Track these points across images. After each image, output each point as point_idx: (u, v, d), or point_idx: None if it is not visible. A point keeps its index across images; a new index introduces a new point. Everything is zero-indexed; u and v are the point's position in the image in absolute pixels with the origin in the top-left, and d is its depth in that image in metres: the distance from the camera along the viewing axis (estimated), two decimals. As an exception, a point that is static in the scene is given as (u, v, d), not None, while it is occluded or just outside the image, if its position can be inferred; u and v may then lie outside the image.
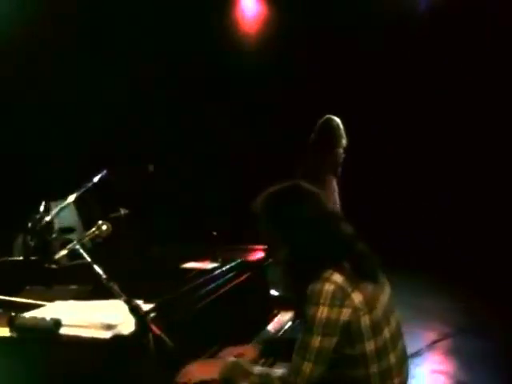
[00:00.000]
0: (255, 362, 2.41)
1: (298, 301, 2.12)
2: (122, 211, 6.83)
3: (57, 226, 7.68)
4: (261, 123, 8.39)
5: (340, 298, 1.98)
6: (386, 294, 2.18)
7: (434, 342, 4.96)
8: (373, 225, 7.13)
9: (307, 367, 2.00)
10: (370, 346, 2.05)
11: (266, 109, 8.25)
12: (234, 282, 2.86)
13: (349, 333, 2.02)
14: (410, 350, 4.57)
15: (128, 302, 1.88)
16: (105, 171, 3.77)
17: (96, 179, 3.80)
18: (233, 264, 3.01)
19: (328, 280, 2.00)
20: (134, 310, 1.86)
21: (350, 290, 2.00)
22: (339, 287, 1.99)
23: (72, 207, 7.87)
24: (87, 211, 8.16)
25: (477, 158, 7.49)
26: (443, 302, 5.98)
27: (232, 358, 2.29)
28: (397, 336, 2.18)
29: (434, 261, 6.89)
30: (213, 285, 2.71)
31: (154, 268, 3.04)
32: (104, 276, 2.05)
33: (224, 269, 2.92)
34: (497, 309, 5.64)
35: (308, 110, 7.21)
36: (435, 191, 7.74)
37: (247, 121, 8.42)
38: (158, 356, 1.84)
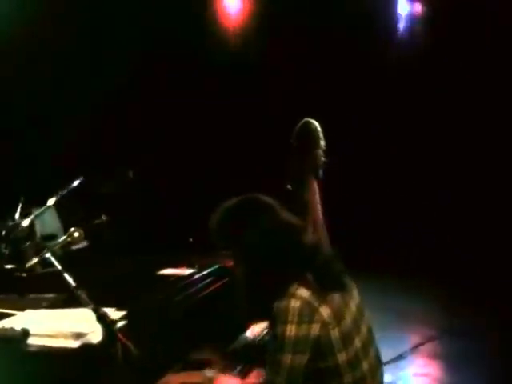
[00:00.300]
0: (227, 369, 2.36)
1: (264, 315, 2.08)
2: (104, 217, 6.81)
3: (39, 233, 7.64)
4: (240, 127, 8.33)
5: (308, 313, 1.94)
6: (354, 301, 2.15)
7: (418, 344, 4.93)
8: (373, 225, 7.52)
9: (281, 383, 1.96)
10: (341, 357, 2.01)
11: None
12: (211, 289, 2.82)
13: (319, 347, 1.98)
14: (394, 353, 4.67)
15: (95, 311, 1.85)
16: (82, 177, 3.72)
17: (75, 184, 3.74)
18: (210, 270, 2.97)
19: (294, 296, 1.95)
20: (101, 319, 1.82)
21: (316, 304, 1.96)
22: (306, 303, 1.95)
23: (53, 213, 7.85)
24: (69, 217, 8.14)
25: (477, 158, 7.50)
26: (428, 304, 5.96)
27: (213, 374, 2.24)
28: (368, 343, 2.15)
29: (433, 261, 6.92)
30: (188, 291, 2.67)
31: (129, 275, 3.00)
32: (73, 284, 2.01)
33: (200, 275, 2.88)
34: (483, 310, 5.63)
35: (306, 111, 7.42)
36: (435, 190, 7.72)
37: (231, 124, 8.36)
38: (126, 365, 1.80)
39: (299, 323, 1.92)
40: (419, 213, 7.64)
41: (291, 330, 1.92)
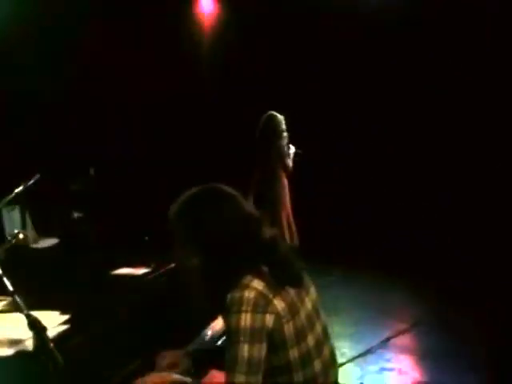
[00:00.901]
0: (188, 371, 2.31)
1: (216, 311, 2.03)
2: (76, 214, 6.73)
3: (7, 231, 7.52)
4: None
5: (262, 304, 1.89)
6: (310, 298, 2.12)
7: (387, 339, 4.92)
8: (373, 225, 7.47)
9: (240, 380, 1.87)
10: (293, 353, 1.97)
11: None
12: (166, 288, 2.76)
13: (272, 341, 1.93)
14: (361, 348, 4.66)
15: (27, 316, 1.77)
16: (38, 175, 3.62)
17: (31, 182, 3.65)
18: (166, 268, 2.91)
19: (248, 287, 1.91)
20: (32, 325, 1.75)
21: (271, 296, 1.92)
22: (260, 294, 1.90)
23: (23, 212, 7.72)
24: (38, 214, 8.01)
25: (477, 159, 7.40)
26: (403, 299, 5.94)
27: (188, 380, 2.17)
28: (322, 342, 2.12)
29: (433, 260, 6.84)
30: (140, 291, 2.61)
31: (81, 275, 2.93)
32: (10, 288, 1.94)
33: (156, 274, 2.82)
34: (461, 307, 5.62)
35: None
36: (435, 191, 7.64)
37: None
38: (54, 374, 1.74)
39: (254, 312, 1.87)
40: (419, 213, 7.58)
41: (246, 319, 1.86)
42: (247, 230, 2.02)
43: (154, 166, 8.05)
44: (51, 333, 2.09)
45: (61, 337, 2.09)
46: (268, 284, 1.92)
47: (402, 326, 5.10)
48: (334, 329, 5.19)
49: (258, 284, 1.92)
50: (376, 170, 7.80)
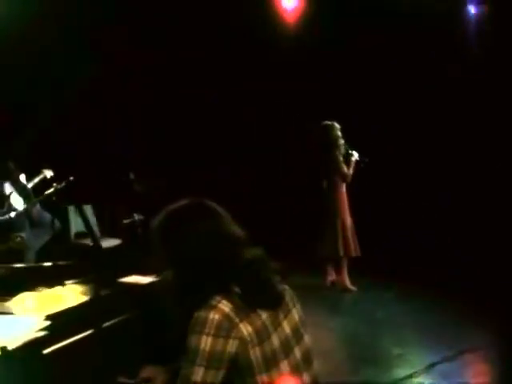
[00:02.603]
0: None
1: (184, 330, 1.96)
2: (137, 217, 6.86)
3: (73, 231, 7.76)
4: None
5: (226, 328, 1.82)
6: (290, 322, 2.01)
7: (432, 364, 4.65)
8: (373, 225, 7.33)
9: None
10: (262, 379, 1.87)
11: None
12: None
13: (237, 366, 1.85)
14: (403, 372, 4.45)
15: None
16: (71, 178, 3.74)
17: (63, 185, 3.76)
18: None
19: (214, 308, 1.84)
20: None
21: (237, 320, 1.84)
22: (226, 316, 1.83)
23: (90, 211, 7.96)
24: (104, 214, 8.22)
25: (477, 159, 7.43)
26: (459, 322, 5.62)
27: None
28: (300, 368, 2.00)
29: (433, 260, 6.81)
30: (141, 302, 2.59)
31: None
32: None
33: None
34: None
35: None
36: (435, 191, 7.65)
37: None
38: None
39: (216, 336, 1.81)
40: (418, 214, 7.59)
41: (206, 342, 1.81)
42: (224, 250, 1.95)
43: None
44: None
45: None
46: (236, 306, 1.86)
47: (451, 352, 4.82)
48: (379, 348, 5.05)
49: (225, 306, 1.85)
50: (376, 170, 7.46)
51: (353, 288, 6.52)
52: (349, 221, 6.48)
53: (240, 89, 8.35)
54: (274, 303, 1.98)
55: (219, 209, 2.04)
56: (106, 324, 2.44)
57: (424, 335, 5.27)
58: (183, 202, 2.05)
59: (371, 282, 6.78)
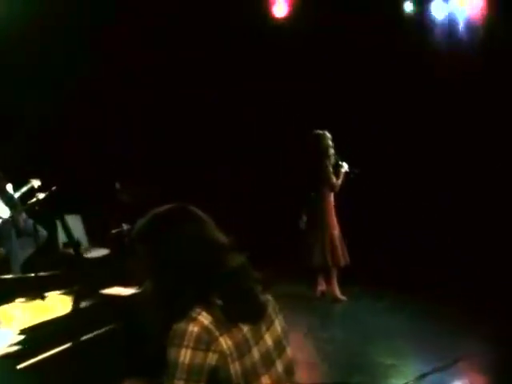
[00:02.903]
0: None
1: (164, 342, 1.88)
2: (125, 226, 6.79)
3: (61, 241, 7.65)
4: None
5: (205, 341, 1.76)
6: (273, 335, 1.94)
7: (423, 375, 4.57)
8: (372, 225, 7.50)
9: None
10: None
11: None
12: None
13: (217, 378, 1.79)
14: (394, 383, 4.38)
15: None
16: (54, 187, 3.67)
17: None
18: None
19: (194, 320, 1.77)
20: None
21: (217, 333, 1.77)
22: (205, 329, 1.76)
23: (78, 221, 7.88)
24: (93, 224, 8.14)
25: (477, 159, 7.39)
26: (453, 332, 5.55)
27: None
28: (283, 380, 1.94)
29: (433, 261, 6.79)
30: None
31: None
32: None
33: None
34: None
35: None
36: (435, 191, 7.60)
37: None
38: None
39: (195, 349, 1.75)
40: (418, 215, 7.56)
41: (186, 355, 1.75)
42: (206, 256, 1.88)
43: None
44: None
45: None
46: (217, 319, 1.79)
47: (443, 362, 4.74)
48: (371, 358, 4.97)
49: (205, 318, 1.78)
50: (376, 170, 7.66)
51: (343, 298, 6.45)
52: (337, 230, 6.40)
53: (240, 89, 8.36)
54: (256, 316, 1.91)
55: (202, 214, 1.97)
56: (87, 336, 2.37)
57: (417, 344, 5.21)
58: (166, 206, 1.99)
59: (363, 291, 6.70)
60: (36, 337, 2.27)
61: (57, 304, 2.73)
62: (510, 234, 6.81)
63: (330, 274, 6.47)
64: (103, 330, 2.45)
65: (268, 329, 1.93)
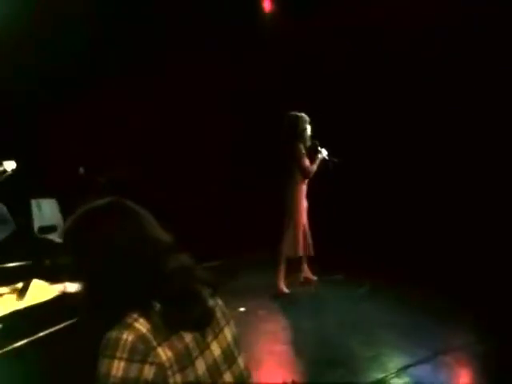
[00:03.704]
0: None
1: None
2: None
3: (37, 224, 7.47)
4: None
5: (141, 351, 1.55)
6: (221, 343, 1.76)
7: (405, 367, 4.44)
8: (372, 225, 7.44)
9: None
10: None
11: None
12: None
13: None
14: (375, 375, 4.24)
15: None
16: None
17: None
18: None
19: (129, 327, 1.57)
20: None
21: (155, 343, 1.57)
22: (141, 338, 1.56)
23: (54, 205, 7.70)
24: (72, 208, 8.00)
25: (477, 160, 7.33)
26: (438, 322, 5.41)
27: None
28: None
29: (416, 251, 6.71)
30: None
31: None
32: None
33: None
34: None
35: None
36: (435, 191, 7.53)
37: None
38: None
39: (129, 361, 1.54)
40: (418, 215, 7.48)
41: (118, 367, 1.53)
42: (144, 256, 1.66)
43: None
44: None
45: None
46: (155, 326, 1.58)
47: (426, 354, 4.61)
48: (350, 350, 4.82)
49: (142, 325, 1.58)
50: (375, 170, 7.74)
51: (286, 291, 6.17)
52: (303, 219, 6.11)
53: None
54: (201, 323, 1.71)
55: (141, 210, 1.76)
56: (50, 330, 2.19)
57: (399, 335, 5.05)
58: (100, 200, 1.78)
59: (343, 279, 6.57)
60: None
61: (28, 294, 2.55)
62: (495, 225, 6.78)
63: (280, 262, 6.17)
64: (56, 327, 2.27)
65: (216, 337, 1.74)
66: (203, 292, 1.73)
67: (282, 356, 4.71)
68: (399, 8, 7.39)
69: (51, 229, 7.02)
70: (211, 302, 1.75)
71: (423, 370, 4.39)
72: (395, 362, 4.56)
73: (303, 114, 6.10)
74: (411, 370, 4.39)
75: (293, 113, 6.11)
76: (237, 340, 1.80)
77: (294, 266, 6.36)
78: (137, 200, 1.79)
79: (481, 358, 4.59)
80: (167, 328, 1.59)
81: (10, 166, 6.47)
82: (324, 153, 6.14)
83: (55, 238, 6.86)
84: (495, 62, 7.12)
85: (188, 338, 1.64)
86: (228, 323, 1.80)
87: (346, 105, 7.94)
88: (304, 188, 6.10)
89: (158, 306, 1.60)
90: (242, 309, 5.74)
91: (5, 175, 5.74)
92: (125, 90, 8.24)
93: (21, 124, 7.85)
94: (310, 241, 6.16)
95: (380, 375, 4.34)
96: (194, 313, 1.67)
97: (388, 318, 5.46)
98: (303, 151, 6.00)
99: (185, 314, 1.64)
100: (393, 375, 4.33)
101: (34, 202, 7.08)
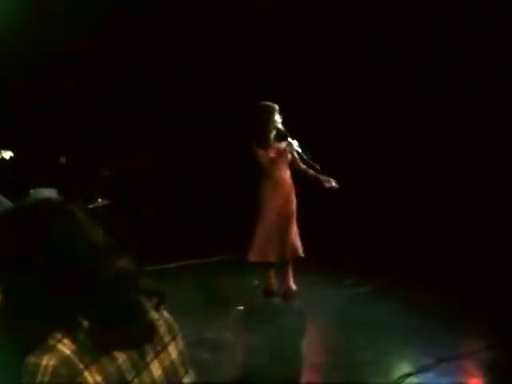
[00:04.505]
0: None
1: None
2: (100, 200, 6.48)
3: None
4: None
5: (65, 377, 1.31)
6: (164, 363, 1.52)
7: (406, 375, 4.24)
8: (372, 225, 7.28)
9: None
10: None
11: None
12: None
13: None
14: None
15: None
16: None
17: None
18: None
19: (52, 350, 1.33)
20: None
21: (82, 365, 1.34)
22: (65, 361, 1.32)
23: (54, 194, 7.55)
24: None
25: (476, 158, 7.31)
26: (442, 326, 5.19)
27: None
28: None
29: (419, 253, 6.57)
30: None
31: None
32: None
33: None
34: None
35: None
36: (439, 193, 7.44)
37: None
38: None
39: None
40: (420, 216, 7.36)
41: None
42: (71, 264, 1.41)
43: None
44: None
45: None
46: (82, 347, 1.35)
47: (427, 360, 4.39)
48: (347, 354, 4.61)
49: (66, 346, 1.34)
50: (376, 170, 7.68)
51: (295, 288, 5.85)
52: (271, 221, 5.62)
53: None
54: (139, 341, 1.47)
55: (77, 210, 1.52)
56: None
57: (399, 340, 4.85)
58: (25, 201, 1.60)
59: (344, 280, 6.26)
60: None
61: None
62: (497, 226, 6.72)
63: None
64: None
65: (157, 355, 1.50)
66: (145, 304, 1.50)
67: (280, 359, 4.52)
68: (399, 8, 7.28)
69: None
70: (154, 316, 1.51)
71: (425, 378, 4.22)
72: (396, 367, 4.42)
73: (272, 104, 5.66)
74: (413, 378, 4.21)
75: (261, 102, 5.70)
76: (184, 357, 1.57)
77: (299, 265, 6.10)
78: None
79: (487, 367, 4.40)
80: (96, 349, 1.37)
81: (7, 154, 6.37)
82: (294, 144, 5.61)
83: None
84: (495, 61, 7.10)
85: (121, 358, 1.40)
86: (174, 339, 1.56)
87: (345, 105, 7.82)
88: (270, 186, 5.64)
89: (86, 323, 1.37)
90: (240, 307, 5.58)
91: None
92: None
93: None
94: (294, 242, 5.66)
95: (380, 382, 4.19)
96: (130, 330, 1.43)
97: (389, 321, 5.23)
98: (256, 147, 5.58)
99: (117, 332, 1.40)
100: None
101: (33, 193, 6.97)
